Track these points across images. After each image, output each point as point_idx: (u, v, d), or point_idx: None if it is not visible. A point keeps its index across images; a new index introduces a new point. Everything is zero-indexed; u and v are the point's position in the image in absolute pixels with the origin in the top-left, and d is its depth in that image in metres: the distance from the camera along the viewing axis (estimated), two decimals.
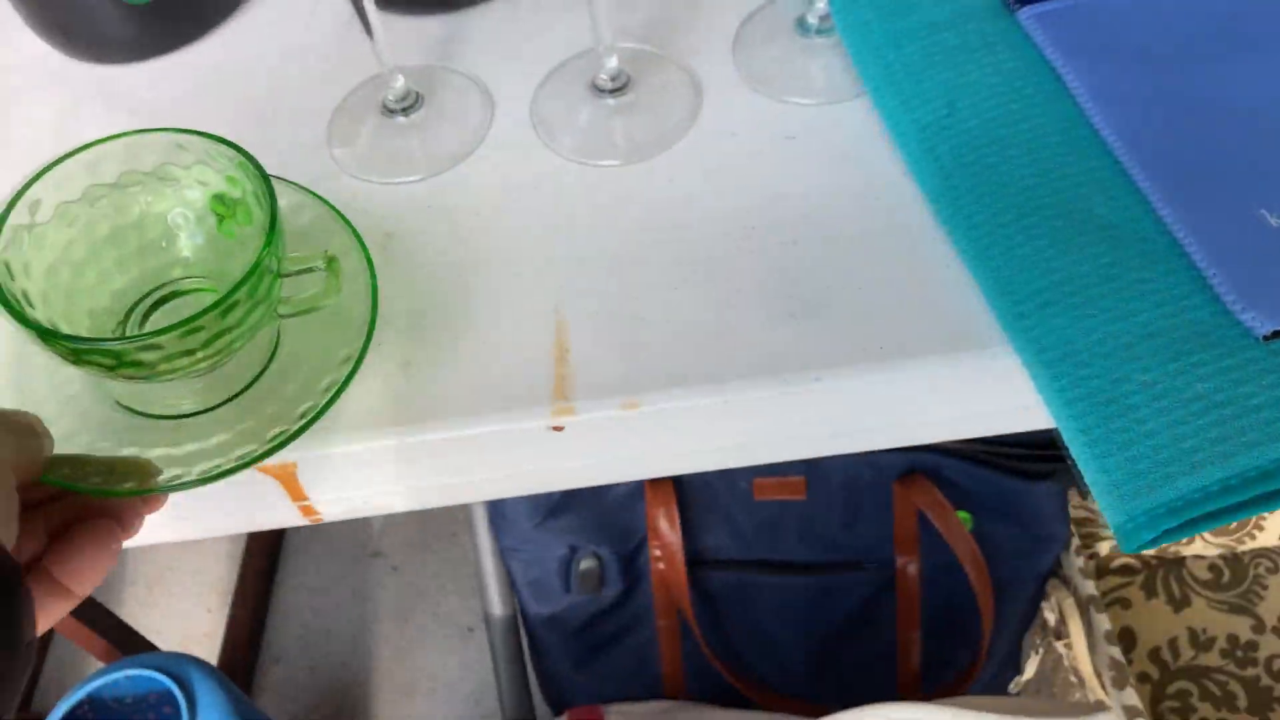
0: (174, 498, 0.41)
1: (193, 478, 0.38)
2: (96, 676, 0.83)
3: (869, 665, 0.98)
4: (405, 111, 0.50)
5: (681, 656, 1.00)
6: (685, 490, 0.91)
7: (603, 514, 0.91)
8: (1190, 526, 0.35)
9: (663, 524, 0.90)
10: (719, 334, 0.42)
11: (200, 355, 0.37)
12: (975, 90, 0.44)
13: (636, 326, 0.43)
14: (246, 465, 0.38)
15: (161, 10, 0.53)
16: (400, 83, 0.49)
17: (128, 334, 0.41)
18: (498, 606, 0.97)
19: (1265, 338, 0.36)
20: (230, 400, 0.41)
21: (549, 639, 0.99)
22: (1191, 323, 0.37)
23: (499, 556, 0.95)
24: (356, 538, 1.25)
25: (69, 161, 0.39)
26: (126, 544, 0.38)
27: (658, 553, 0.92)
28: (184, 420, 0.40)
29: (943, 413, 0.42)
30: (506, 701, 1.00)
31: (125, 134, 0.40)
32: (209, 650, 1.20)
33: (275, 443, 0.39)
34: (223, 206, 0.42)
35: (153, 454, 0.39)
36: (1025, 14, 0.46)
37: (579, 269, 0.45)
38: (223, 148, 0.40)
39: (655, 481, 0.89)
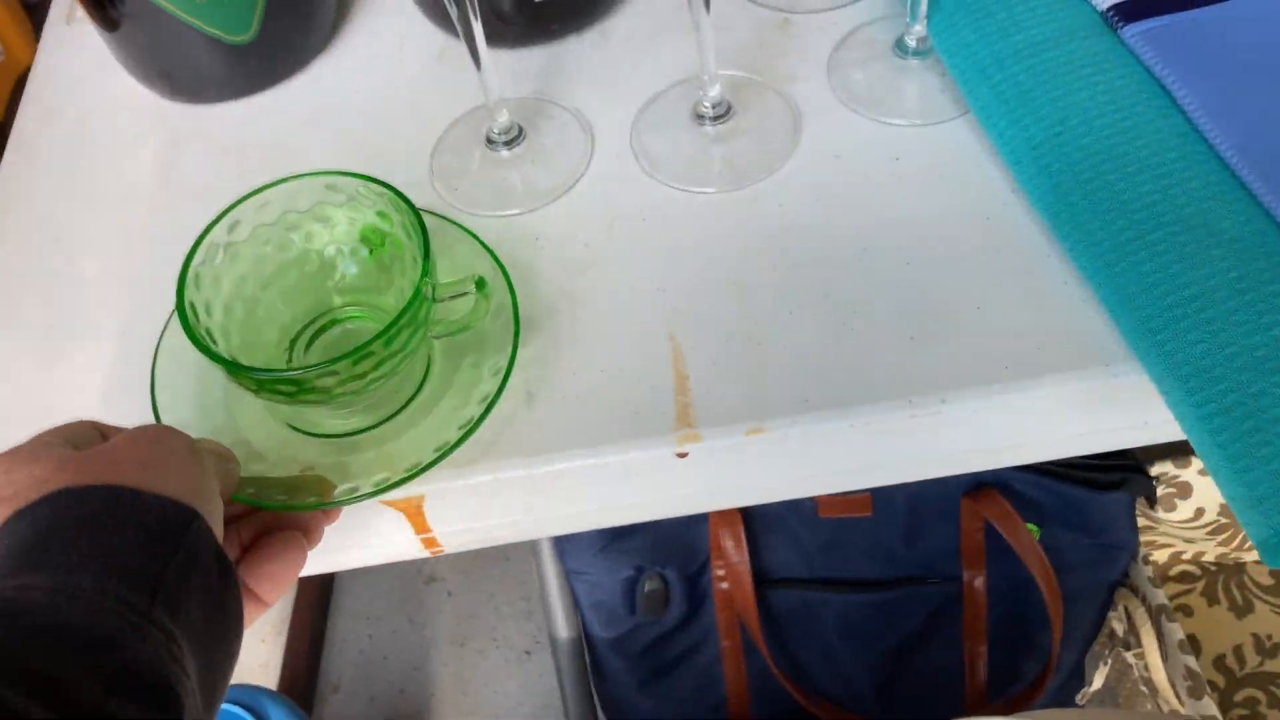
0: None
1: (369, 489, 0.40)
2: None
3: (936, 680, 0.97)
4: (509, 144, 0.50)
5: (746, 677, 1.00)
6: (749, 509, 0.91)
7: (667, 535, 0.91)
8: None
9: (728, 544, 0.90)
10: (840, 357, 0.42)
11: (370, 378, 0.39)
12: (1086, 107, 0.45)
13: (754, 351, 0.43)
14: (413, 476, 0.40)
15: (258, 49, 0.54)
16: (504, 116, 0.50)
17: (294, 361, 0.44)
18: (563, 629, 0.97)
19: None
20: (391, 418, 0.43)
21: (613, 662, 0.99)
22: None
23: (564, 579, 0.95)
24: (411, 563, 1.25)
25: (240, 207, 0.42)
26: None
27: (721, 573, 0.92)
28: (352, 438, 0.43)
29: (1068, 430, 0.42)
30: None
31: (286, 179, 0.42)
32: (268, 680, 1.19)
33: (439, 454, 0.41)
34: (374, 239, 0.44)
35: (327, 470, 0.41)
36: (1129, 31, 0.46)
37: (691, 296, 0.45)
38: (373, 185, 0.42)
39: None
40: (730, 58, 0.53)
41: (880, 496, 0.89)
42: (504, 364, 0.42)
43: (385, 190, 0.41)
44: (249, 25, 0.53)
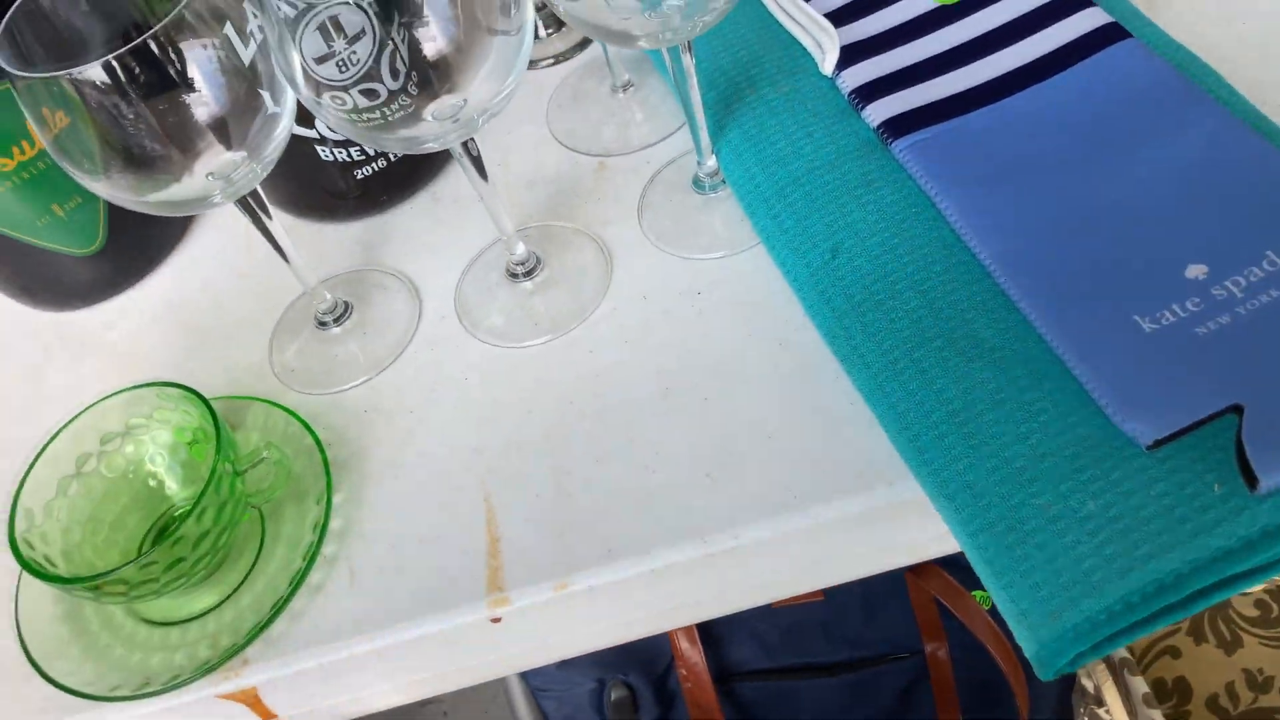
0: None
1: (156, 687, 0.42)
2: None
3: None
4: (337, 321, 0.53)
5: None
6: None
7: (625, 644, 0.92)
8: (1105, 645, 0.36)
9: (684, 644, 0.90)
10: (641, 501, 0.44)
11: (194, 559, 0.42)
12: (859, 228, 0.46)
13: (564, 504, 0.44)
14: (199, 676, 0.43)
15: (108, 257, 0.57)
16: (328, 297, 0.52)
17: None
18: None
19: (1149, 446, 0.37)
20: (236, 590, 0.45)
21: None
22: (1080, 439, 0.38)
23: (531, 698, 0.96)
24: None
25: (55, 443, 0.45)
26: None
27: (684, 672, 0.92)
28: (203, 619, 0.45)
29: (862, 548, 0.43)
30: None
31: (88, 407, 0.45)
32: None
33: (228, 653, 0.43)
34: (187, 435, 0.46)
35: (154, 661, 0.44)
36: (898, 146, 0.48)
37: (506, 455, 0.47)
38: (167, 389, 0.45)
39: None
40: (553, 206, 0.55)
41: None
42: (315, 539, 0.45)
43: (180, 390, 0.44)
44: (96, 237, 0.56)
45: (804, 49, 0.53)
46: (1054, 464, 0.38)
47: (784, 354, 0.46)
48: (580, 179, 0.56)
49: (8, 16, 0.41)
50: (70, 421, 0.45)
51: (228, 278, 0.59)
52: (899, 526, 0.42)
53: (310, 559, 0.44)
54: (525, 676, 0.94)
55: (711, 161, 0.51)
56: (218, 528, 0.42)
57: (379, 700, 0.47)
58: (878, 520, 0.42)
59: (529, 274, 0.51)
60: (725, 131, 0.51)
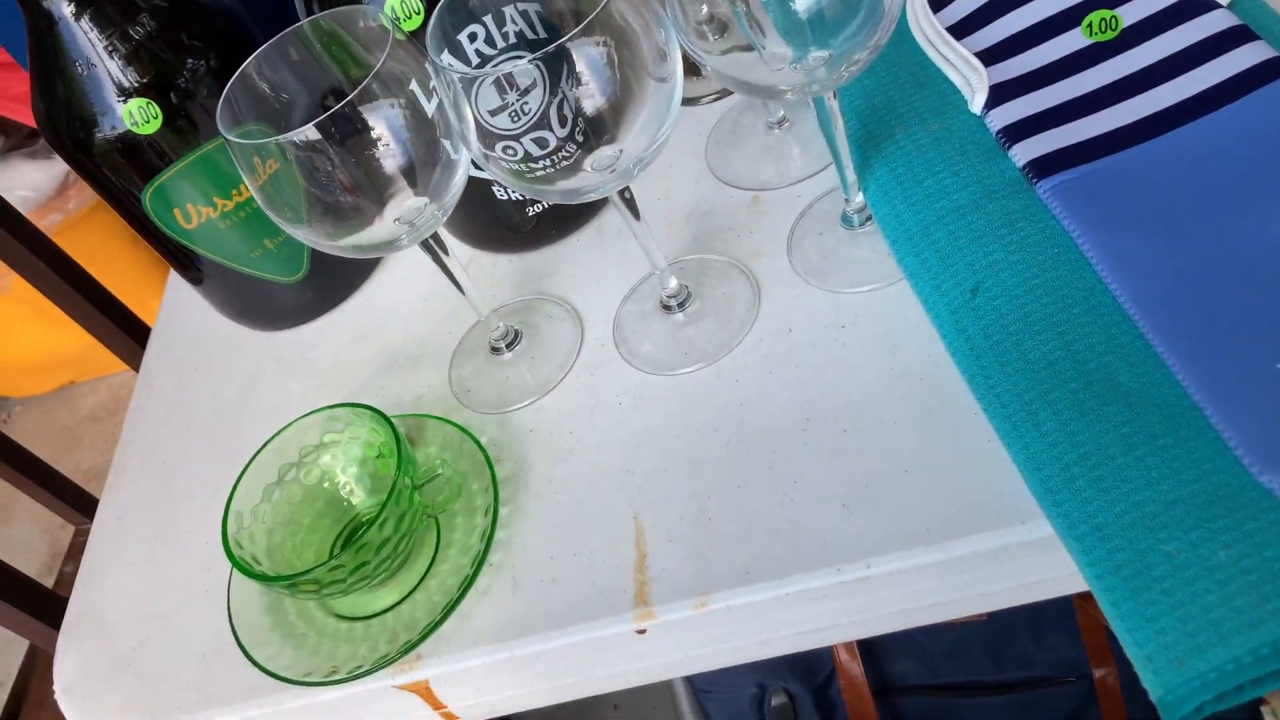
0: (360, 716, 0.49)
1: (343, 675, 0.48)
2: None
3: None
4: (509, 346, 0.57)
5: None
6: None
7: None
8: (1232, 695, 0.36)
9: (844, 657, 0.91)
10: (779, 527, 0.46)
11: (376, 563, 0.47)
12: (1000, 268, 0.47)
13: (705, 526, 0.47)
14: (380, 668, 0.48)
15: (311, 284, 0.64)
16: (499, 326, 0.57)
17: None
18: None
19: None
20: (412, 593, 0.51)
21: None
22: (1213, 487, 0.38)
23: (694, 698, 0.99)
24: None
25: (263, 454, 0.51)
26: None
27: (845, 684, 0.93)
28: (382, 616, 0.51)
29: (995, 585, 0.44)
30: None
31: (291, 424, 0.52)
32: None
33: (425, 631, 0.48)
34: (374, 450, 0.51)
35: (341, 652, 0.49)
36: (1043, 187, 0.48)
37: (654, 477, 0.50)
38: (359, 410, 0.51)
39: None
40: (705, 239, 0.58)
41: None
42: (482, 548, 0.49)
43: (368, 411, 0.50)
44: (300, 266, 0.63)
45: (955, 87, 0.54)
46: (1185, 511, 0.38)
47: (924, 389, 0.48)
48: (735, 212, 0.59)
49: (226, 88, 0.47)
50: (276, 435, 0.51)
51: (413, 304, 0.65)
52: (1031, 565, 0.43)
53: (478, 566, 0.49)
54: (689, 677, 0.97)
55: (859, 198, 0.53)
56: (397, 535, 0.48)
57: (536, 699, 0.51)
58: (1010, 558, 0.43)
59: (681, 305, 0.55)
60: (873, 169, 0.53)
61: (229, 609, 0.52)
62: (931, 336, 0.49)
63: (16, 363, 2.02)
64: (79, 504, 1.10)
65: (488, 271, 0.64)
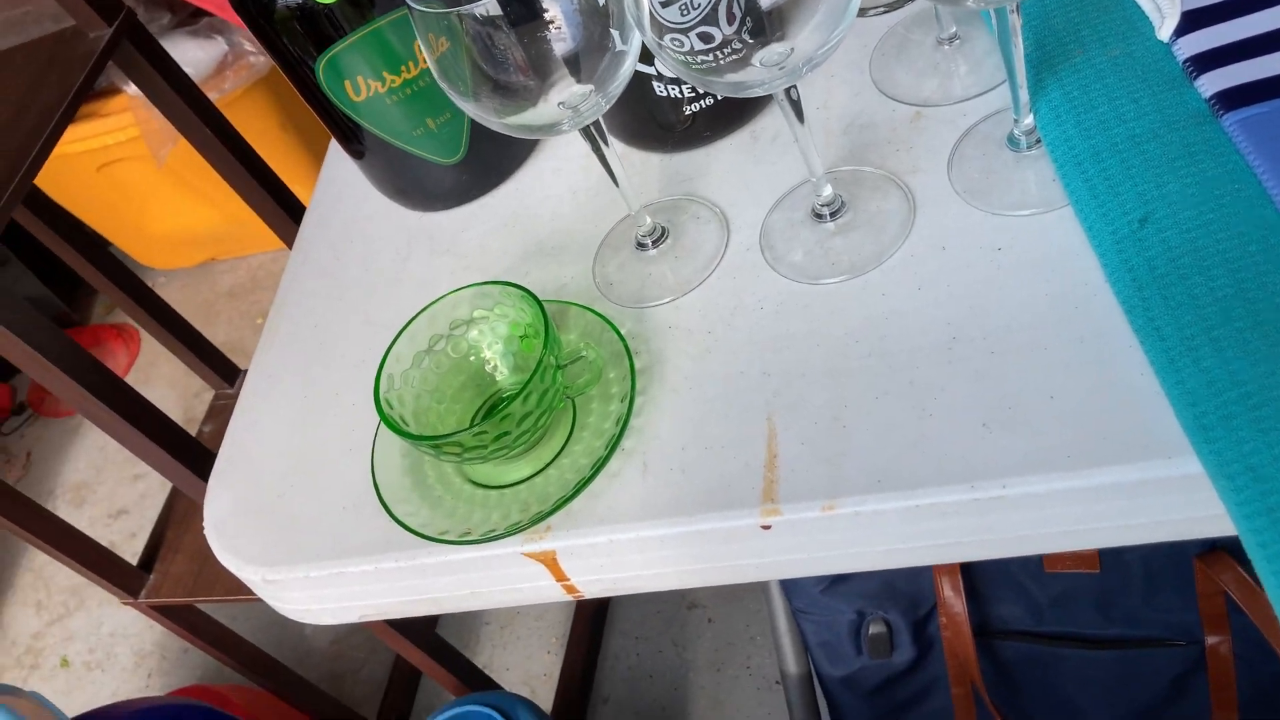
0: (473, 577, 0.52)
1: (500, 531, 0.50)
2: (444, 710, 0.97)
3: None
4: (655, 243, 0.58)
5: None
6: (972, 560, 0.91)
7: (889, 580, 0.94)
8: None
9: (948, 593, 0.91)
10: (914, 441, 0.46)
11: (516, 434, 0.49)
12: (1174, 200, 0.46)
13: (840, 434, 0.48)
14: (538, 520, 0.50)
15: (467, 167, 0.65)
16: (648, 221, 0.58)
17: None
18: (792, 664, 1.02)
19: None
20: (544, 469, 0.53)
21: (845, 699, 1.03)
22: None
23: (792, 617, 1.00)
24: (675, 590, 1.35)
25: (415, 323, 0.53)
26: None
27: (945, 620, 0.93)
28: (516, 488, 0.53)
29: (1132, 519, 0.44)
30: None
31: (444, 296, 0.53)
32: (548, 688, 1.33)
33: (557, 503, 0.50)
34: (520, 330, 0.53)
35: (475, 516, 0.52)
36: (1230, 120, 0.46)
37: (791, 382, 0.50)
38: (510, 289, 0.52)
39: None
40: (862, 152, 0.58)
41: (1109, 552, 0.88)
42: (616, 432, 0.51)
43: (517, 290, 0.51)
44: (459, 149, 0.64)
45: (1142, 13, 0.52)
46: None
47: (1078, 318, 0.47)
48: (895, 127, 0.58)
49: None
50: (429, 306, 0.53)
51: (562, 196, 0.66)
52: (1172, 502, 0.42)
53: (611, 448, 0.50)
54: (789, 596, 0.99)
55: (1029, 120, 0.52)
56: (538, 410, 0.49)
57: (654, 582, 0.52)
58: (1150, 492, 0.42)
59: (833, 215, 0.54)
60: (1046, 91, 0.51)
61: (372, 467, 0.55)
62: (1090, 266, 0.48)
63: (164, 236, 2.11)
64: (222, 369, 1.16)
65: (638, 169, 0.64)
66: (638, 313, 0.57)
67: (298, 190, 1.07)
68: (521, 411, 0.48)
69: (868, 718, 1.04)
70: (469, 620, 1.45)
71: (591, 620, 1.35)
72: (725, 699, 1.24)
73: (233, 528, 0.58)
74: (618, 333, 0.55)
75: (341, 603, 0.57)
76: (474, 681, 1.11)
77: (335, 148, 0.78)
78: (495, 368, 0.55)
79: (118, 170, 1.87)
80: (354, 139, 0.65)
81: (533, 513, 0.50)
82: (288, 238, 1.01)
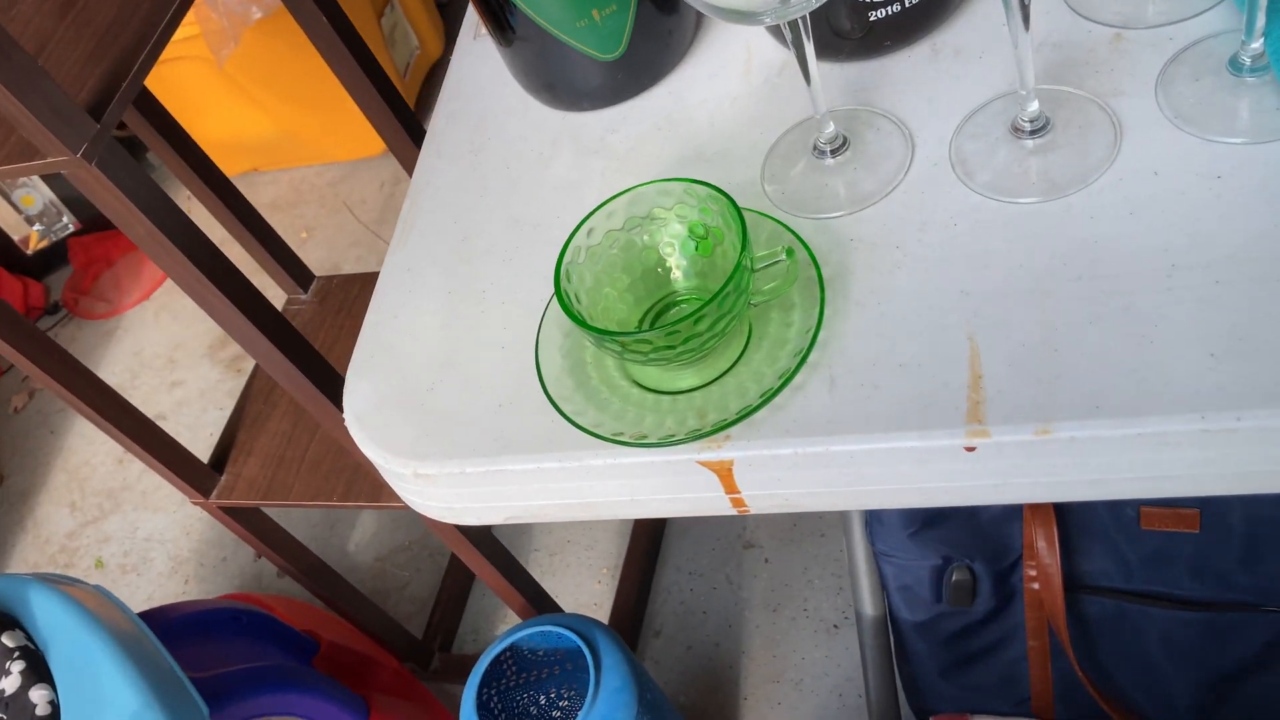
0: (637, 483, 0.50)
1: (681, 436, 0.48)
2: (517, 630, 0.96)
3: (1266, 714, 0.92)
4: (834, 152, 0.56)
5: (1053, 679, 0.99)
6: (1066, 512, 0.90)
7: (978, 529, 0.92)
8: None
9: (1041, 544, 0.90)
10: (1135, 368, 0.44)
11: (705, 338, 0.47)
12: None
13: (1051, 357, 0.46)
14: (717, 430, 0.48)
15: (625, 66, 0.63)
16: (831, 126, 0.55)
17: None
18: (869, 606, 1.01)
19: None
20: (718, 379, 0.51)
21: (917, 645, 1.02)
22: None
23: (872, 559, 0.99)
24: (732, 528, 1.34)
25: (595, 215, 0.51)
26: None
27: (1033, 572, 0.92)
28: (689, 395, 0.51)
29: None
30: (874, 698, 1.04)
31: (627, 190, 0.51)
32: (599, 617, 1.33)
33: (718, 426, 0.48)
34: (700, 231, 0.51)
35: (647, 420, 0.50)
36: None
37: (994, 301, 0.48)
38: (697, 186, 0.49)
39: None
40: (1058, 72, 0.55)
41: (1210, 514, 0.86)
42: (805, 345, 0.48)
43: (706, 189, 0.49)
44: (619, 44, 0.62)
45: None
46: None
47: None
48: (1093, 48, 0.55)
49: None
50: (608, 201, 0.51)
51: (720, 101, 0.63)
52: None
53: (802, 359, 0.48)
54: (872, 539, 0.97)
55: (1258, 44, 0.49)
56: (731, 314, 0.47)
57: (826, 500, 0.51)
58: None
59: (1035, 133, 0.52)
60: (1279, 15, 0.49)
61: (537, 363, 0.53)
62: None
63: (211, 139, 2.07)
64: (296, 274, 1.14)
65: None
66: (815, 224, 0.54)
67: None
68: (716, 314, 0.46)
69: (938, 666, 1.03)
70: (518, 544, 1.44)
71: (645, 553, 1.34)
72: (781, 639, 1.24)
73: (379, 420, 0.56)
74: (800, 240, 0.52)
75: (491, 502, 0.55)
76: (541, 605, 1.10)
77: (464, 45, 0.75)
78: (669, 270, 0.53)
79: (173, 70, 1.83)
80: (508, 26, 0.62)
81: (712, 420, 0.48)
82: (393, 141, 0.98)
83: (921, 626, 0.99)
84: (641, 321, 0.53)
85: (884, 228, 0.53)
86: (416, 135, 0.98)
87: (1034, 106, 0.51)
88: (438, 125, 0.70)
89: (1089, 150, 0.51)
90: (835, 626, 1.23)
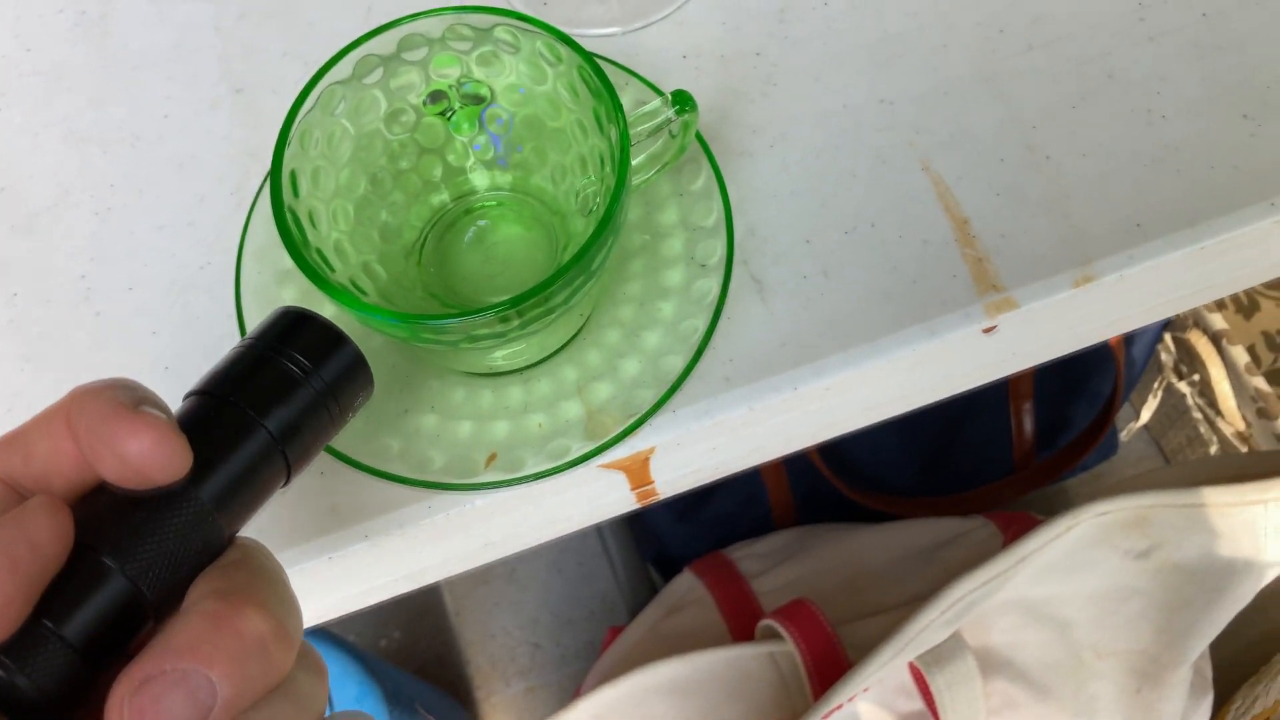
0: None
1: (585, 451, 0.30)
2: None
3: (983, 449, 0.93)
4: None
5: (789, 485, 0.93)
6: None
7: None
8: None
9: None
10: (1158, 156, 0.32)
11: (565, 307, 0.27)
12: None
13: (1043, 168, 0.32)
14: (638, 425, 0.30)
15: None
16: None
17: (423, 275, 0.31)
18: None
19: None
20: (566, 346, 0.31)
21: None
22: None
23: None
24: None
25: (336, 67, 0.28)
26: None
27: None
28: (526, 371, 0.31)
29: None
30: (618, 564, 0.93)
31: (394, 22, 0.28)
32: None
33: (667, 393, 0.30)
34: (516, 100, 0.30)
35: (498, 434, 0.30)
36: None
37: (931, 107, 0.33)
38: (513, 21, 0.29)
39: None
40: None
41: None
42: (721, 250, 0.31)
43: (537, 30, 0.28)
44: None
45: None
46: None
47: None
48: None
49: None
50: (363, 39, 0.28)
51: None
52: None
53: (724, 286, 0.30)
54: None
55: None
56: (608, 256, 0.27)
57: (785, 445, 0.34)
58: None
59: None
60: None
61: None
62: None
63: None
64: None
65: None
66: (598, 42, 0.35)
67: None
68: (587, 271, 0.26)
69: (672, 511, 0.93)
70: None
71: None
72: None
73: None
74: (643, 80, 0.33)
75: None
76: None
77: None
78: (461, 161, 0.31)
79: None
80: None
81: (616, 416, 0.30)
82: None
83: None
84: (423, 247, 0.31)
85: (722, 30, 0.35)
86: None
87: None
88: None
89: None
90: None
